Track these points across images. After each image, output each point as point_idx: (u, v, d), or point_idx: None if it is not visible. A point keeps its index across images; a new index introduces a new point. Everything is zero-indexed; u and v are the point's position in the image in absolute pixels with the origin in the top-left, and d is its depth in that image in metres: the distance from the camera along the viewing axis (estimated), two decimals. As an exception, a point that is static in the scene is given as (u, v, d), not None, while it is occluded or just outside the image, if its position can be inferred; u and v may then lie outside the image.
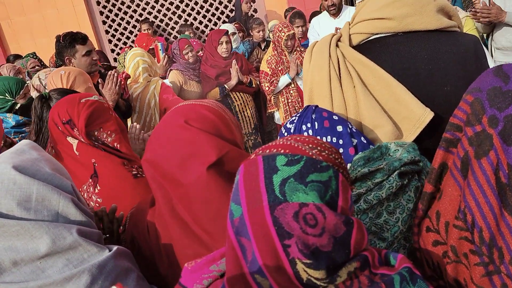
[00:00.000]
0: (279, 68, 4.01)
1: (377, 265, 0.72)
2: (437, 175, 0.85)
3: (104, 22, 6.47)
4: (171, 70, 3.84)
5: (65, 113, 1.48)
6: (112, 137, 1.54)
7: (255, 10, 6.46)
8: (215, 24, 6.53)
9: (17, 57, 4.99)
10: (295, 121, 1.21)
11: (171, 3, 6.43)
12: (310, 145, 0.72)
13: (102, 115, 1.54)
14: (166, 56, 3.80)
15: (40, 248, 0.78)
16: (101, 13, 6.43)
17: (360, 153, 1.07)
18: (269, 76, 3.98)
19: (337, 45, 1.31)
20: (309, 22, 4.94)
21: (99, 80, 2.71)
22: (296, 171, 0.67)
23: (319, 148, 0.73)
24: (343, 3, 4.19)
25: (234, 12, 6.17)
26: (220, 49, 3.82)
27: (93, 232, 0.89)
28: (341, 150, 1.12)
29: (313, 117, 1.16)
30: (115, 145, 1.54)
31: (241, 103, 3.96)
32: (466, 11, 3.65)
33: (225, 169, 1.01)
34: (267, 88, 4.00)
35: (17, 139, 2.37)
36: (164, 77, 3.82)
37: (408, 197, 1.00)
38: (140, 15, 6.45)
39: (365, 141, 1.14)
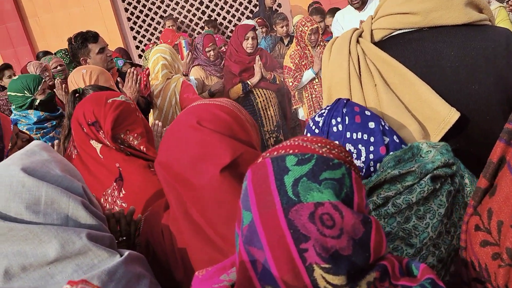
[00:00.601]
0: (303, 63, 3.96)
1: (398, 276, 0.67)
2: (495, 170, 0.79)
3: (129, 19, 6.54)
4: (193, 66, 3.83)
5: (91, 114, 1.45)
6: (138, 140, 1.50)
7: (280, 5, 6.40)
8: (239, 19, 6.50)
9: (46, 53, 5.05)
10: (324, 114, 1.14)
11: (195, -1, 6.44)
12: (319, 144, 0.69)
13: (129, 117, 1.49)
14: (190, 53, 3.78)
15: (49, 253, 0.77)
16: (126, 10, 6.49)
17: (390, 153, 1.02)
18: (293, 71, 3.94)
19: (358, 41, 1.25)
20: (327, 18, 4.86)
21: (118, 79, 2.72)
22: (308, 170, 0.63)
23: (328, 146, 0.70)
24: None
25: (258, 7, 6.12)
26: (246, 44, 3.79)
27: (104, 236, 0.88)
28: (371, 148, 1.06)
29: (344, 111, 1.10)
30: (141, 148, 1.50)
31: (263, 100, 3.92)
32: (503, 2, 3.49)
33: (239, 171, 0.98)
34: (290, 84, 3.95)
35: (39, 135, 2.42)
36: (187, 74, 3.81)
37: (440, 201, 0.94)
38: (164, 11, 6.48)
39: (397, 140, 1.08)
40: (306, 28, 3.86)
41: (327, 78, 1.30)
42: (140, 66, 4.60)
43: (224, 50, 4.38)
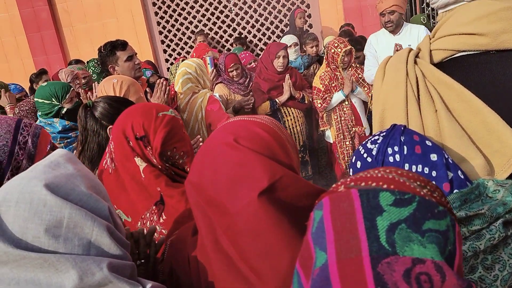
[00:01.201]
0: (333, 85, 3.87)
1: None
2: None
3: (160, 33, 6.59)
4: (217, 83, 3.78)
5: (140, 128, 1.33)
6: (184, 158, 1.39)
7: (311, 26, 6.35)
8: (269, 38, 6.47)
9: (78, 62, 5.09)
10: (378, 141, 1.01)
11: (227, 16, 6.45)
12: (418, 183, 0.57)
13: (177, 134, 1.39)
14: (214, 70, 3.71)
15: (65, 284, 0.67)
16: (158, 23, 6.55)
17: (455, 192, 0.89)
18: (322, 92, 3.85)
19: (415, 62, 1.14)
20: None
21: (147, 89, 2.68)
22: (408, 215, 0.51)
23: (428, 187, 0.57)
24: (403, 20, 3.97)
25: (288, 26, 6.09)
26: (276, 62, 3.73)
27: (126, 265, 0.78)
28: None
29: (402, 140, 0.97)
30: (186, 168, 1.40)
31: (291, 119, 3.85)
32: None
33: (277, 197, 0.87)
34: (319, 105, 3.86)
35: (62, 144, 2.37)
36: (212, 91, 3.75)
37: (511, 251, 0.81)
38: (196, 26, 6.51)
39: (462, 176, 0.95)
40: (339, 49, 3.78)
41: (380, 101, 1.18)
42: (167, 79, 4.58)
43: (254, 66, 4.32)
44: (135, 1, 6.36)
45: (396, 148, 0.96)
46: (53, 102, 2.53)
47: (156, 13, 6.51)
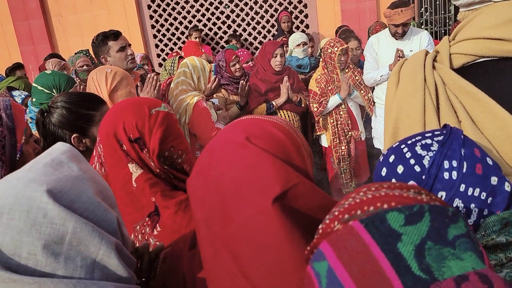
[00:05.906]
0: (329, 88, 3.75)
1: None
2: None
3: (153, 26, 6.43)
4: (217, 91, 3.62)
5: (133, 128, 1.19)
6: (182, 157, 1.26)
7: (307, 26, 6.26)
8: (264, 37, 6.36)
9: (52, 56, 4.80)
10: (432, 148, 0.82)
11: (222, 12, 6.32)
12: (412, 190, 0.50)
13: (174, 131, 1.26)
14: (216, 79, 3.49)
15: None
16: (151, 17, 6.39)
17: (495, 214, 0.76)
18: (318, 96, 3.72)
19: (433, 67, 1.02)
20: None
21: (139, 83, 2.55)
22: (428, 229, 0.44)
23: (423, 192, 0.51)
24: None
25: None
26: (274, 61, 3.59)
27: None
28: (485, 212, 0.78)
29: (463, 153, 0.79)
30: (185, 167, 1.27)
31: (287, 123, 3.71)
32: None
33: (289, 207, 0.74)
34: (315, 109, 3.73)
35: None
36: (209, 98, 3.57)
37: None
38: (190, 22, 6.37)
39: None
40: (336, 49, 3.66)
41: (393, 109, 1.05)
42: (158, 73, 4.42)
43: (251, 65, 4.18)
44: (127, -7, 6.21)
45: (454, 163, 0.79)
46: (52, 93, 2.36)
47: (149, 6, 6.35)
